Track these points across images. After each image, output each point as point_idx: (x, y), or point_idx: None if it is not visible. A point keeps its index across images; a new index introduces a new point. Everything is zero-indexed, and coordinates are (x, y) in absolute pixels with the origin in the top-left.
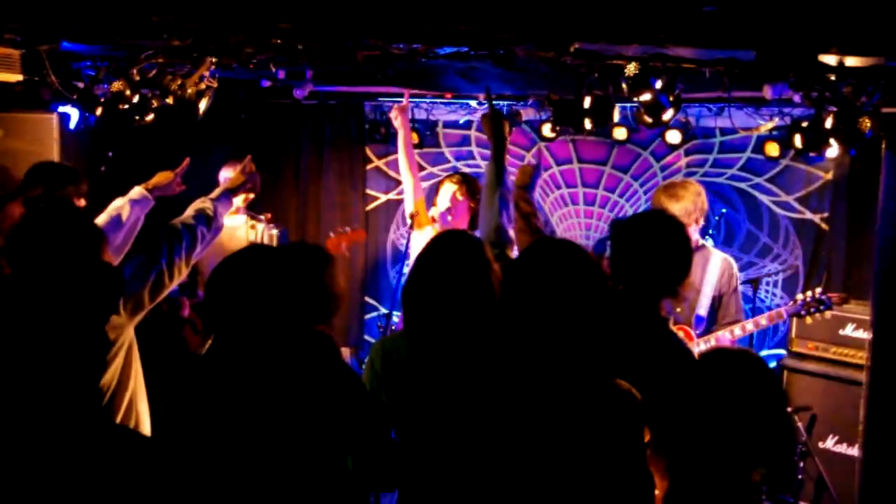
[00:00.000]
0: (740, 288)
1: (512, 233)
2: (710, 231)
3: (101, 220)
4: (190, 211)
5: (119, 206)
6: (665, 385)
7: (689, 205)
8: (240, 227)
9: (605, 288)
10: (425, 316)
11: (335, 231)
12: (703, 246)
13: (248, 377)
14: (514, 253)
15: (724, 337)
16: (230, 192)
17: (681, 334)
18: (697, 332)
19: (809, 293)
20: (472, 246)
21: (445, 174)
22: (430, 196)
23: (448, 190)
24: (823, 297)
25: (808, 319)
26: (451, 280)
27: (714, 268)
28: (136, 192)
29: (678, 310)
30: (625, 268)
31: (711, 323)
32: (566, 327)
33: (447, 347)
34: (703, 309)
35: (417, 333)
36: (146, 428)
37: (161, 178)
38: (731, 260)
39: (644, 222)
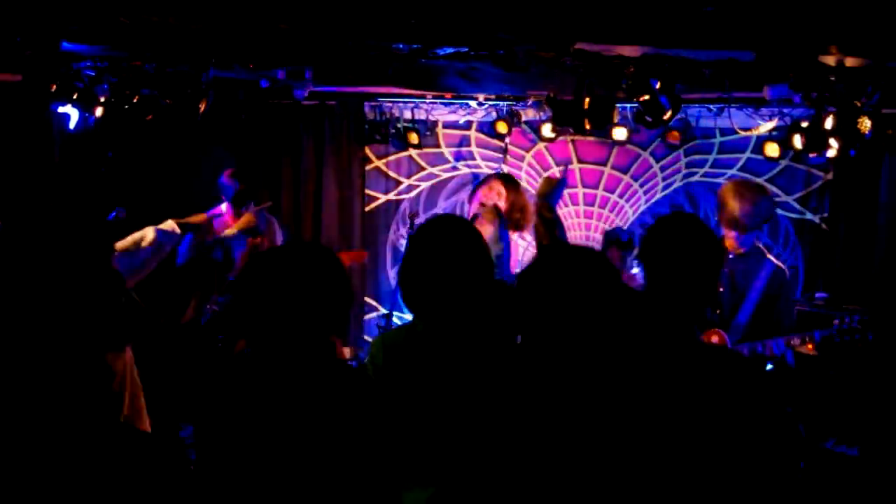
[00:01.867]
0: (790, 297)
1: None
2: None
3: (121, 243)
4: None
5: (144, 231)
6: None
7: (751, 207)
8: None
9: (621, 293)
10: (424, 296)
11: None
12: (759, 250)
13: (274, 388)
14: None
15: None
16: (244, 234)
17: (715, 338)
18: (735, 338)
19: (846, 319)
20: (462, 226)
21: (447, 175)
22: (429, 196)
23: (497, 189)
24: (856, 324)
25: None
26: (447, 257)
27: (763, 275)
28: (167, 223)
29: (717, 312)
30: (654, 274)
31: (754, 330)
32: (579, 328)
33: (448, 331)
34: (743, 315)
35: (418, 315)
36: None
37: (197, 218)
38: (785, 268)
39: (677, 228)
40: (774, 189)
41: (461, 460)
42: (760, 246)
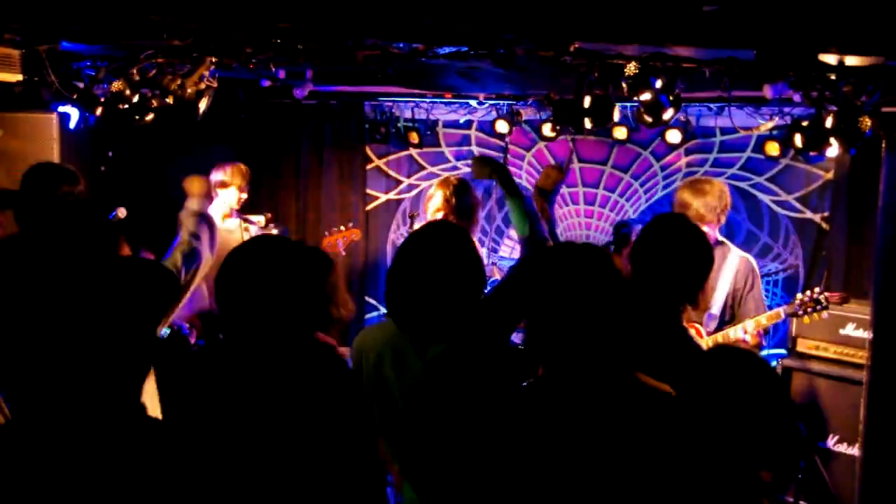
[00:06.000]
0: (760, 286)
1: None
2: None
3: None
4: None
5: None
6: (677, 386)
7: (712, 201)
8: (234, 231)
9: (626, 292)
10: (407, 304)
11: (331, 230)
12: (723, 243)
13: (249, 379)
14: None
15: (729, 337)
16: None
17: (692, 331)
18: (708, 329)
19: (808, 293)
20: (454, 233)
21: (447, 174)
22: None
23: (439, 196)
24: (820, 297)
25: (807, 319)
26: (432, 266)
27: (731, 266)
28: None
29: (690, 307)
30: (645, 271)
31: (724, 321)
32: (588, 329)
33: (432, 337)
34: (715, 307)
35: (400, 322)
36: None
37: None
38: (751, 259)
39: (666, 227)
40: (775, 188)
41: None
42: (723, 239)
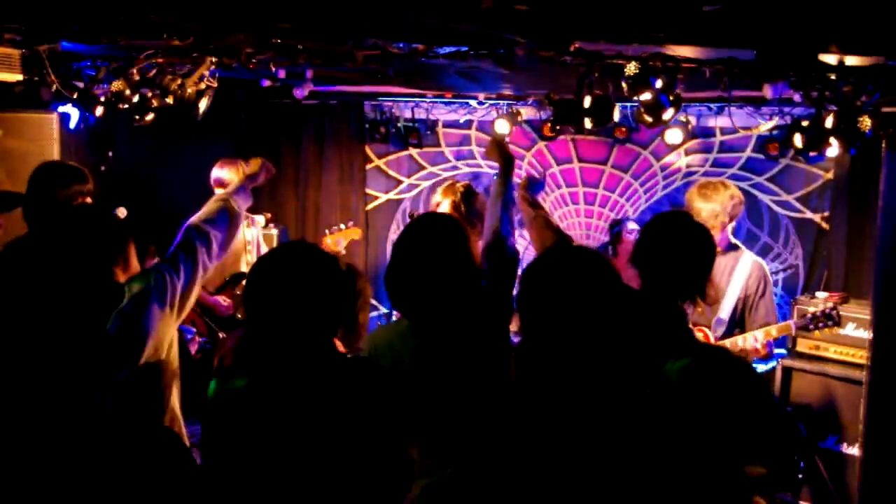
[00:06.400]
0: (772, 292)
1: (514, 241)
2: None
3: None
4: (210, 206)
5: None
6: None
7: (716, 206)
8: None
9: (624, 294)
10: (409, 296)
11: (331, 229)
12: (736, 248)
13: (279, 383)
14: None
15: (737, 345)
16: (249, 181)
17: (699, 336)
18: (716, 334)
19: (821, 308)
20: (448, 224)
21: (447, 174)
22: (429, 195)
23: (447, 204)
24: (832, 312)
25: (817, 334)
26: (430, 256)
27: (742, 271)
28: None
29: (699, 311)
30: (646, 268)
31: (733, 326)
32: (586, 332)
33: (434, 328)
34: (724, 312)
35: (405, 314)
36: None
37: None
38: (763, 263)
39: (667, 224)
40: (774, 188)
41: (455, 450)
42: (737, 243)
